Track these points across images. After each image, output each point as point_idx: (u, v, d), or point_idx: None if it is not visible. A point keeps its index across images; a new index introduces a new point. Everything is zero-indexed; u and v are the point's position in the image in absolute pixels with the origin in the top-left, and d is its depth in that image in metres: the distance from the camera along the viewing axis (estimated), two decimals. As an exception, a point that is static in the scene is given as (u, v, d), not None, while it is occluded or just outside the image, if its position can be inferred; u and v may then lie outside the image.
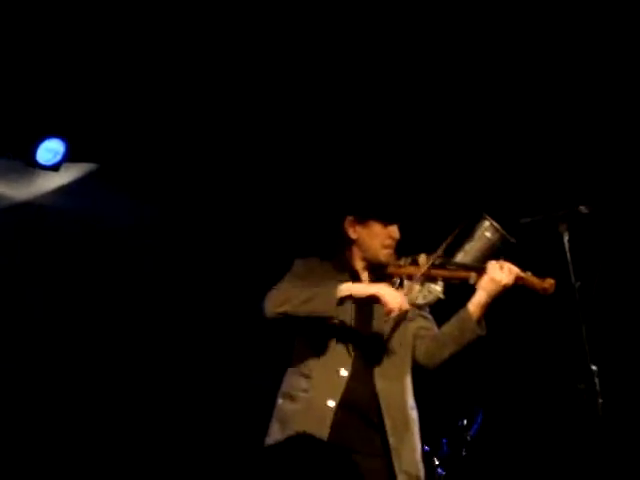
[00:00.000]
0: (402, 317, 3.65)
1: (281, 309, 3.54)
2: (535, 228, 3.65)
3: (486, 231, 3.62)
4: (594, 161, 5.40)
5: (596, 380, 3.44)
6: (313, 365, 3.63)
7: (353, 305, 3.61)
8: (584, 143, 5.38)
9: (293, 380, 3.67)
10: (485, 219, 3.60)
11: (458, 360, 3.79)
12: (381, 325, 3.69)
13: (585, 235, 3.74)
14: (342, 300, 3.51)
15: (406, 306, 3.53)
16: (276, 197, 5.66)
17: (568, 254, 3.58)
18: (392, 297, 3.50)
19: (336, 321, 3.53)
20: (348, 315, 3.58)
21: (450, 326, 3.72)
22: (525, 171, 5.47)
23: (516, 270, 3.57)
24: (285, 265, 3.89)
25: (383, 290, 3.49)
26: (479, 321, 3.66)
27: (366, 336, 3.68)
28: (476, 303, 3.63)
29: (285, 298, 3.54)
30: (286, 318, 3.56)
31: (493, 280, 3.54)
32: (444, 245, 3.60)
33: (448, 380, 4.98)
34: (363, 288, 3.54)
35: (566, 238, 3.61)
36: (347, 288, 3.51)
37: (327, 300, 3.46)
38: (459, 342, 3.67)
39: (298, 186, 5.70)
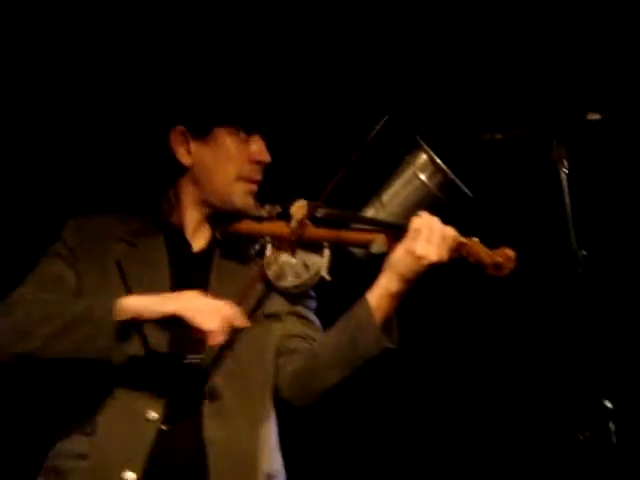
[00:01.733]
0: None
1: (18, 348, 2.29)
2: (508, 151, 2.58)
3: (421, 171, 2.49)
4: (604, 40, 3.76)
5: (611, 425, 2.30)
6: (98, 413, 2.33)
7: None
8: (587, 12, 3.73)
9: (64, 444, 2.35)
10: (421, 150, 2.46)
11: (354, 389, 2.44)
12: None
13: (595, 163, 3.06)
14: (125, 326, 2.25)
15: (242, 322, 2.28)
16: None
17: (567, 199, 2.44)
18: (208, 314, 2.29)
19: (119, 359, 2.28)
20: (139, 344, 2.29)
21: (336, 334, 2.40)
22: (492, 52, 3.70)
23: (452, 235, 2.29)
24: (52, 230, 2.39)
25: (191, 304, 2.28)
26: (386, 323, 2.34)
27: (188, 353, 2.38)
28: (381, 292, 2.34)
29: (25, 325, 2.29)
30: (32, 361, 2.32)
31: (410, 253, 2.30)
32: (332, 184, 2.38)
33: (340, 424, 3.42)
34: (155, 303, 2.28)
35: (564, 170, 2.47)
36: (130, 305, 2.25)
37: (95, 331, 2.24)
38: (351, 362, 2.37)
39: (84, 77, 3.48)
